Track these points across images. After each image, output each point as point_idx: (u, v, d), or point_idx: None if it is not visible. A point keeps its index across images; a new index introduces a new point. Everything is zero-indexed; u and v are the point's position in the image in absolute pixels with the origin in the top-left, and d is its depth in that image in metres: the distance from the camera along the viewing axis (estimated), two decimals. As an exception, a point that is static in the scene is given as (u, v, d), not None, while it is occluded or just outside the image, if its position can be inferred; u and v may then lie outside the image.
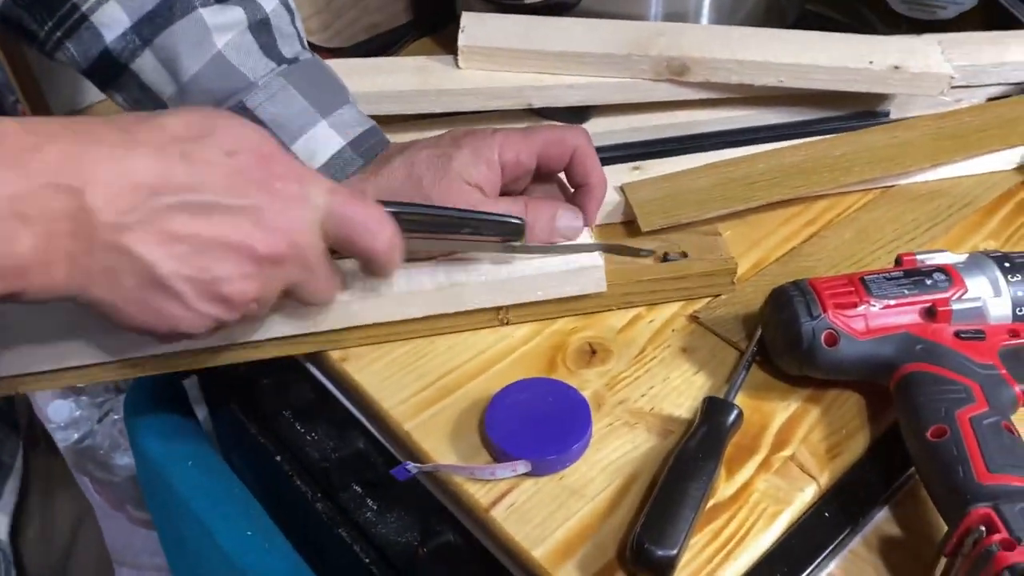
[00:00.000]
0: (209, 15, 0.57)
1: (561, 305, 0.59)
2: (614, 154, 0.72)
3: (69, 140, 0.38)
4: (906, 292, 0.52)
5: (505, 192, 0.58)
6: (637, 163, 0.70)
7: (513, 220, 0.54)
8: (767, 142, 0.72)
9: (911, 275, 0.53)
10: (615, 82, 0.71)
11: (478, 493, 0.50)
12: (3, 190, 0.36)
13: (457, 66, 0.71)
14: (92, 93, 0.89)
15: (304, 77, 0.59)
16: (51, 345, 0.53)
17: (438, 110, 0.71)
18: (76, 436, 1.34)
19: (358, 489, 0.67)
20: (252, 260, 0.42)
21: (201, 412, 1.00)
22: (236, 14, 0.58)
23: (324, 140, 0.58)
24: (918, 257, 0.55)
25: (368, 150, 0.59)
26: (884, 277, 0.53)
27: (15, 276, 0.38)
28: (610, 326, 0.60)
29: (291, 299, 0.48)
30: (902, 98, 0.73)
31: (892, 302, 0.52)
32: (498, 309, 0.58)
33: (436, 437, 0.53)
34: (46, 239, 0.38)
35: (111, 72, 0.58)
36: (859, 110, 0.74)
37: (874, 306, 0.52)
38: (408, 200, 0.53)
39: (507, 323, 0.59)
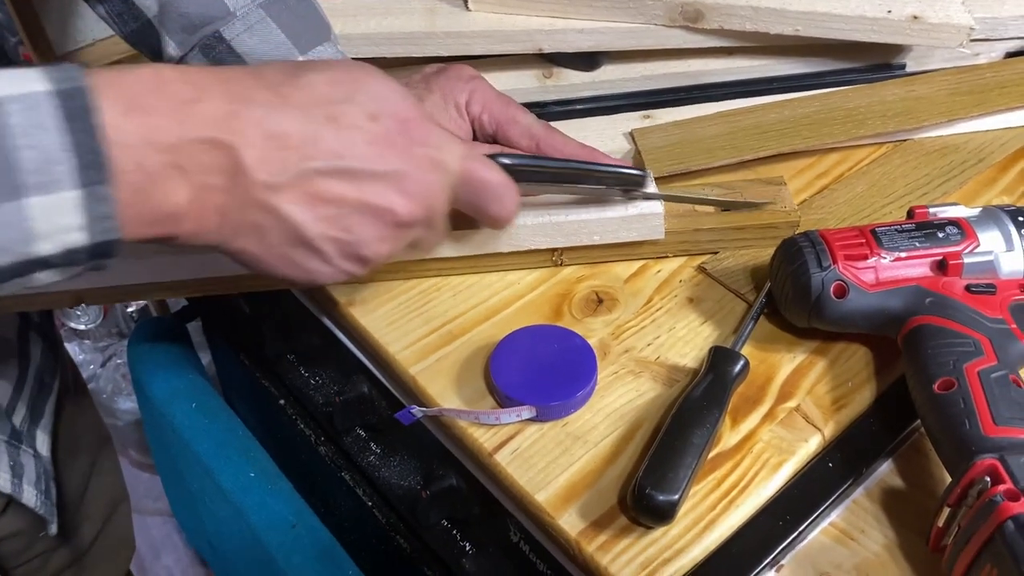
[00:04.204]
0: None
1: (615, 250, 0.59)
2: (625, 102, 0.71)
3: (224, 97, 0.38)
4: (917, 245, 0.51)
5: None
6: (647, 111, 0.69)
7: (636, 172, 0.54)
8: (780, 93, 0.71)
9: (923, 228, 0.52)
10: (627, 27, 0.69)
11: (482, 438, 0.50)
12: (163, 138, 0.36)
13: (467, 8, 0.70)
14: (94, 30, 0.88)
15: (286, 10, 0.58)
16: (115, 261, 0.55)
17: (445, 53, 0.69)
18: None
19: (362, 433, 0.67)
20: (392, 224, 0.43)
21: (205, 356, 1.00)
22: None
23: None
24: (930, 210, 0.54)
25: None
26: (896, 229, 0.52)
27: (171, 223, 0.38)
28: (617, 275, 0.59)
29: None
30: (919, 50, 0.72)
31: (903, 254, 0.51)
32: (553, 251, 0.58)
33: (441, 382, 0.53)
34: (200, 191, 0.38)
35: None
36: (875, 62, 0.73)
37: (885, 258, 0.51)
38: None
39: (561, 264, 0.59)
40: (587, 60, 0.72)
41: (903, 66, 0.73)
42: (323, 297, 0.60)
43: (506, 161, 0.50)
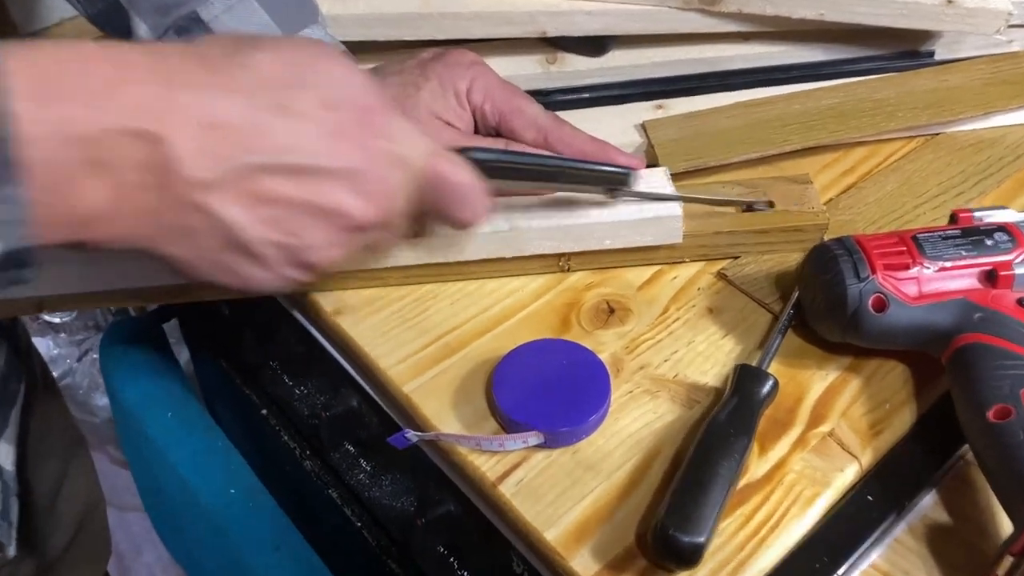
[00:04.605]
0: None
1: (627, 254, 0.54)
2: (635, 91, 0.66)
3: (154, 78, 0.33)
4: (964, 253, 0.47)
5: None
6: (660, 101, 0.64)
7: (620, 171, 0.49)
8: (801, 82, 0.66)
9: (969, 234, 0.48)
10: (639, 9, 0.64)
11: (484, 466, 0.45)
12: (80, 129, 0.31)
13: (464, -13, 0.64)
14: (61, 9, 0.82)
15: None
16: (77, 267, 0.50)
17: (441, 36, 0.64)
18: (55, 375, 1.29)
19: (351, 448, 0.63)
20: (344, 228, 0.38)
21: (183, 356, 0.95)
22: None
23: None
24: (975, 214, 0.49)
25: None
26: (939, 236, 0.48)
27: (89, 227, 0.33)
28: (629, 282, 0.54)
29: None
30: (949, 36, 0.67)
31: (948, 264, 0.46)
32: (559, 255, 0.53)
33: (438, 401, 0.48)
34: (117, 190, 0.33)
35: None
36: (902, 49, 0.68)
37: (928, 268, 0.46)
38: None
39: (568, 270, 0.54)
40: (594, 45, 0.67)
41: (932, 54, 0.68)
42: (308, 303, 0.55)
43: (478, 156, 0.44)
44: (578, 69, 0.67)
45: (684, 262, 0.55)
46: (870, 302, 0.46)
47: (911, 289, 0.46)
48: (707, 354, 0.50)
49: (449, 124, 0.52)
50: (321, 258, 0.39)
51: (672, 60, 0.67)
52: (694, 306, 0.53)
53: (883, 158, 0.62)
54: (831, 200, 0.59)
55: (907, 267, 0.46)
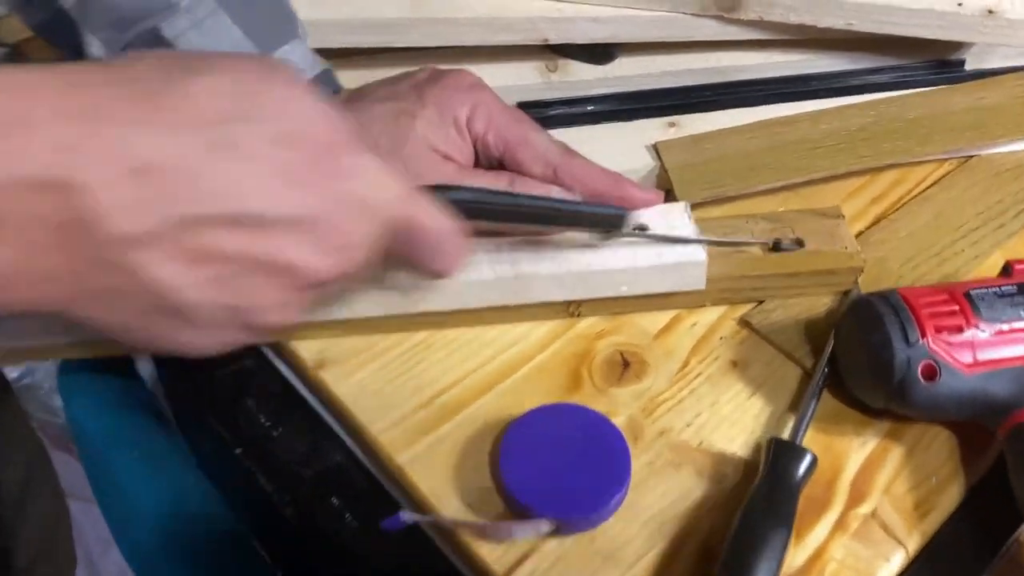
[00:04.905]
0: None
1: (642, 299, 0.49)
2: (644, 104, 0.60)
3: (67, 112, 0.27)
4: (1022, 314, 0.42)
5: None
6: (672, 118, 0.58)
7: (613, 212, 0.45)
8: (824, 95, 0.60)
9: (1027, 291, 0.43)
10: (650, 16, 0.58)
11: (491, 556, 0.40)
12: None
13: (457, -12, 0.58)
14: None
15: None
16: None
17: (432, 43, 0.58)
18: (15, 375, 1.22)
19: (335, 501, 0.57)
20: (300, 286, 0.32)
21: (148, 368, 0.89)
22: None
23: None
24: (1032, 266, 0.45)
25: None
26: (995, 292, 0.43)
27: None
28: (644, 330, 0.49)
29: None
30: (980, 45, 0.62)
31: (1005, 327, 0.42)
32: (569, 302, 0.48)
33: (436, 475, 0.43)
34: (24, 250, 0.27)
35: None
36: (929, 58, 0.63)
37: (983, 331, 0.42)
38: None
39: (577, 315, 0.49)
40: (599, 51, 0.61)
41: (962, 63, 0.63)
42: (286, 353, 0.49)
43: (457, 197, 0.40)
44: (582, 78, 0.61)
45: (704, 306, 0.50)
46: (919, 369, 0.41)
47: (965, 356, 0.41)
48: (733, 418, 0.46)
49: (448, 157, 0.46)
50: (272, 320, 0.33)
51: (683, 69, 0.61)
52: (717, 358, 0.48)
53: (914, 184, 0.57)
54: (861, 234, 0.54)
55: (960, 330, 0.42)
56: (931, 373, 0.41)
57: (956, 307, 0.42)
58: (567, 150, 0.48)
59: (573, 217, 0.45)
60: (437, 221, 0.36)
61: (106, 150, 0.27)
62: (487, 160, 0.48)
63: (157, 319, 0.31)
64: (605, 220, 0.45)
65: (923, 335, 0.42)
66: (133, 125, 0.28)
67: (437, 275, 0.39)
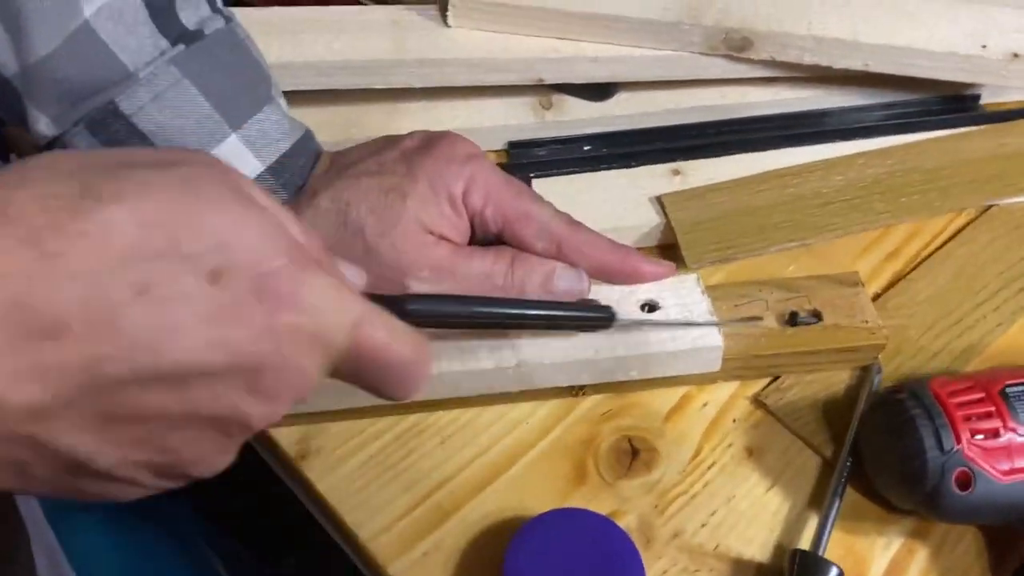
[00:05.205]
0: None
1: (653, 380, 0.46)
2: (645, 147, 0.56)
3: None
4: (1061, 415, 0.39)
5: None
6: (677, 164, 0.54)
7: (601, 315, 0.42)
8: (833, 139, 0.56)
9: (1065, 387, 0.40)
10: (654, 55, 0.54)
11: None
12: None
13: (445, 23, 0.53)
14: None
15: (210, 64, 0.41)
16: None
17: (418, 84, 0.53)
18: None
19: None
20: (240, 432, 0.28)
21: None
22: None
23: (233, 164, 0.41)
24: (1069, 356, 0.42)
25: (296, 174, 0.43)
26: (1032, 390, 0.40)
27: None
28: (653, 411, 0.46)
29: None
30: (997, 79, 0.59)
31: (1044, 430, 0.39)
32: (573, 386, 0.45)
33: (433, 589, 0.40)
34: None
35: None
36: (943, 94, 0.59)
37: (1022, 436, 0.39)
38: (345, 256, 0.34)
39: (579, 395, 0.46)
40: (597, 87, 0.57)
41: (977, 97, 0.60)
42: (264, 438, 0.45)
43: (420, 309, 0.37)
44: (578, 117, 0.57)
45: (716, 382, 0.47)
46: (953, 478, 0.39)
47: (1002, 463, 0.39)
48: (750, 515, 0.43)
49: (442, 237, 0.42)
50: (206, 469, 0.29)
51: (687, 107, 0.57)
52: (730, 445, 0.45)
53: (931, 236, 0.54)
54: (879, 297, 0.51)
55: (997, 434, 0.39)
56: (966, 482, 0.39)
57: (992, 408, 0.39)
58: (571, 222, 0.44)
59: (554, 322, 0.42)
60: (398, 346, 0.31)
61: None
62: (485, 236, 0.44)
63: (75, 480, 0.27)
64: (590, 323, 0.43)
65: (958, 441, 0.39)
66: (25, 275, 0.23)
67: (395, 399, 0.34)
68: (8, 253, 0.23)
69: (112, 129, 0.39)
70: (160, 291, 0.24)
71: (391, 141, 0.44)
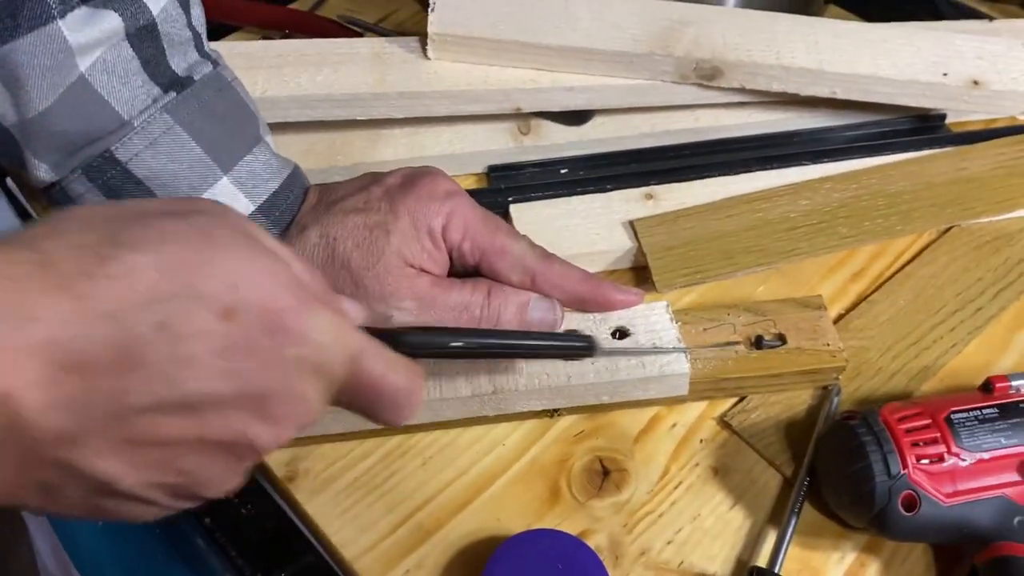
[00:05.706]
0: (71, 29, 0.40)
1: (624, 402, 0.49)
2: (620, 170, 0.58)
3: None
4: (1003, 441, 0.42)
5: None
6: (650, 188, 0.57)
7: (580, 344, 0.44)
8: (802, 162, 0.58)
9: (1008, 413, 0.43)
10: (628, 84, 0.56)
11: None
12: None
13: (425, 56, 0.55)
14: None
15: (201, 111, 0.43)
16: None
17: (399, 115, 0.55)
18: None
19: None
20: (249, 456, 0.31)
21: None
22: (110, 23, 0.41)
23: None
24: (1013, 383, 0.44)
25: (285, 211, 0.45)
26: (976, 417, 0.42)
27: None
28: (623, 431, 0.48)
29: None
30: (962, 99, 0.61)
31: (986, 455, 0.42)
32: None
33: (415, 607, 0.42)
34: None
35: None
36: (911, 115, 0.62)
37: (964, 460, 0.42)
38: (333, 287, 0.39)
39: (555, 416, 0.49)
40: (574, 113, 0.59)
41: (943, 117, 0.62)
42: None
43: (413, 341, 0.39)
44: (555, 141, 0.59)
45: (684, 403, 0.49)
46: (899, 499, 0.41)
47: (945, 486, 0.41)
48: (714, 532, 0.45)
49: (423, 270, 0.45)
50: (218, 490, 0.32)
51: (660, 131, 0.59)
52: (697, 464, 0.48)
53: (894, 256, 0.56)
54: (841, 318, 0.53)
55: (941, 459, 0.42)
56: (911, 504, 0.41)
57: (937, 433, 0.42)
58: (545, 255, 0.47)
59: (538, 350, 0.45)
60: (394, 376, 0.34)
61: (27, 348, 0.25)
62: (464, 268, 0.46)
63: (101, 501, 0.30)
64: (572, 351, 0.45)
65: (904, 466, 0.41)
66: (57, 317, 0.26)
67: (389, 424, 0.37)
68: (45, 295, 0.26)
69: (108, 175, 0.41)
70: (178, 328, 0.27)
71: (376, 178, 0.46)
